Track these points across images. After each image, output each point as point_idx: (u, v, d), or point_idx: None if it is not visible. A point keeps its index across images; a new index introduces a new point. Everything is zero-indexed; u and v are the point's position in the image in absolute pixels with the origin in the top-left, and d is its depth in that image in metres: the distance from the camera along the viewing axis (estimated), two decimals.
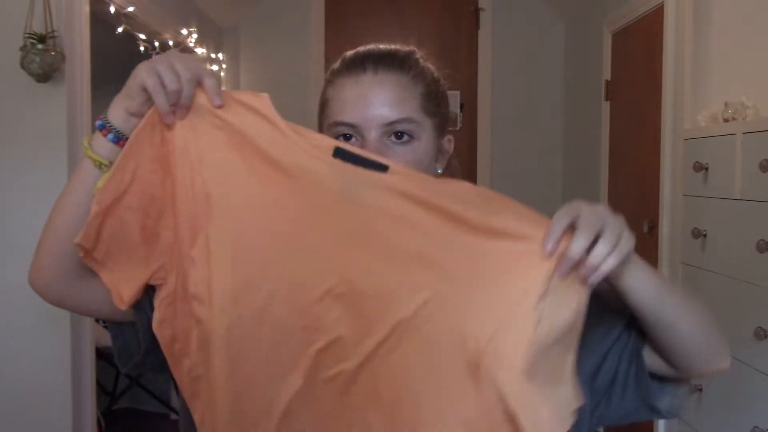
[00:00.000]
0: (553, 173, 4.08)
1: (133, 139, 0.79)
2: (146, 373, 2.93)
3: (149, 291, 0.84)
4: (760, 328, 1.86)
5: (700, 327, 0.79)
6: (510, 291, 0.71)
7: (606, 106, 3.32)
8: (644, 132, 2.86)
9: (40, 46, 1.89)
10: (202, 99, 0.79)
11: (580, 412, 0.72)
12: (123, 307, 0.83)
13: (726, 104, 2.19)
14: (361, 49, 0.95)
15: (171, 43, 2.95)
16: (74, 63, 2.06)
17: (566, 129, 4.07)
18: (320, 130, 0.96)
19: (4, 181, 2.02)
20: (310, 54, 4.03)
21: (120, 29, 2.45)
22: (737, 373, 1.97)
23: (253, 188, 0.79)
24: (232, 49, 3.97)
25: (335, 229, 0.77)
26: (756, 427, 1.88)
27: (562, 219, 0.71)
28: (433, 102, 0.94)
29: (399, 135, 0.90)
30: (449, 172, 1.00)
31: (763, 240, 1.84)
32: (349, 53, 0.95)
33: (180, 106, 0.78)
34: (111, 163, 0.81)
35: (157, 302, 0.82)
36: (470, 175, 3.97)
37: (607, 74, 3.30)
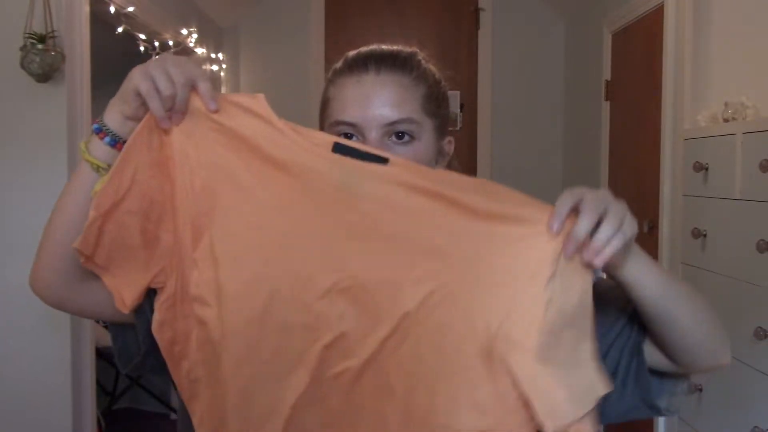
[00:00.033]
0: (553, 173, 4.08)
1: (130, 144, 0.79)
2: (146, 375, 2.94)
3: (149, 293, 0.85)
4: (760, 328, 1.86)
5: (702, 320, 0.79)
6: (518, 273, 0.71)
7: (606, 106, 3.32)
8: (644, 132, 2.86)
9: (40, 46, 1.89)
10: (197, 103, 0.79)
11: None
12: (125, 310, 0.83)
13: (726, 104, 2.19)
14: (364, 49, 0.95)
15: (171, 43, 2.95)
16: (74, 63, 2.07)
17: (566, 129, 4.07)
18: (321, 129, 0.96)
19: (4, 181, 2.02)
20: (310, 54, 4.03)
21: (120, 29, 2.45)
22: (737, 373, 1.97)
23: (254, 188, 0.79)
24: (232, 49, 3.97)
25: (337, 224, 0.77)
26: (756, 427, 1.88)
27: (566, 201, 0.71)
28: (434, 103, 0.94)
29: (400, 135, 0.90)
30: None
31: (763, 240, 1.84)
32: (352, 53, 0.95)
33: (175, 111, 0.78)
34: (108, 166, 0.81)
35: (157, 305, 0.82)
36: (470, 175, 3.96)
37: (607, 74, 3.30)
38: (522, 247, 0.72)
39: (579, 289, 0.71)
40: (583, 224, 0.69)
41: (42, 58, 1.89)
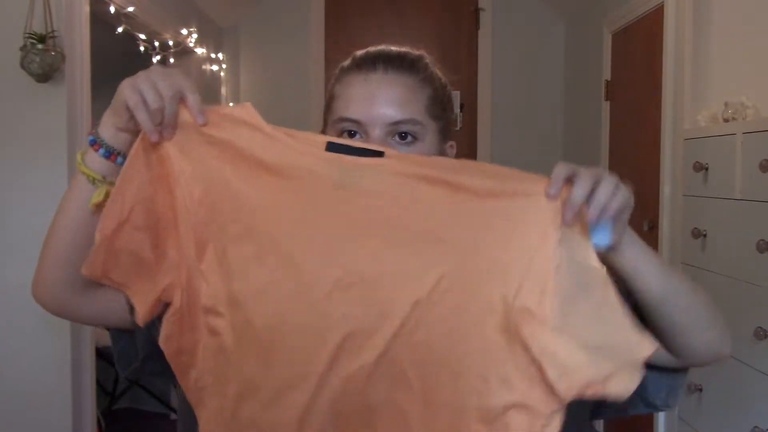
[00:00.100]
0: None
1: (128, 164, 0.79)
2: (146, 378, 2.94)
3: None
4: (760, 328, 1.86)
5: (703, 309, 0.80)
6: (526, 243, 0.72)
7: (606, 106, 3.32)
8: (644, 132, 2.86)
9: (40, 46, 1.89)
10: (187, 116, 0.79)
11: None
12: (140, 324, 0.83)
13: (726, 104, 2.19)
14: (372, 49, 0.96)
15: (171, 43, 2.95)
16: (74, 63, 2.07)
17: (566, 129, 4.07)
18: (324, 126, 0.97)
19: (4, 181, 2.03)
20: (310, 54, 4.03)
21: (120, 29, 2.45)
22: (737, 373, 1.97)
23: (251, 196, 0.79)
24: (232, 49, 3.97)
25: (338, 221, 0.77)
26: (756, 427, 1.88)
27: (561, 170, 0.73)
28: (439, 106, 0.95)
29: (403, 135, 0.90)
30: None
31: (763, 240, 1.84)
32: (360, 52, 0.96)
33: (166, 125, 0.78)
34: (104, 177, 0.82)
35: (165, 320, 0.82)
36: None
37: (607, 74, 3.30)
38: (525, 217, 0.73)
39: (584, 255, 0.72)
40: (579, 189, 0.71)
41: (42, 58, 1.89)
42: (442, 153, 0.96)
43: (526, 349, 0.71)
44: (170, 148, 0.79)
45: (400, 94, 0.91)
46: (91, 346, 2.19)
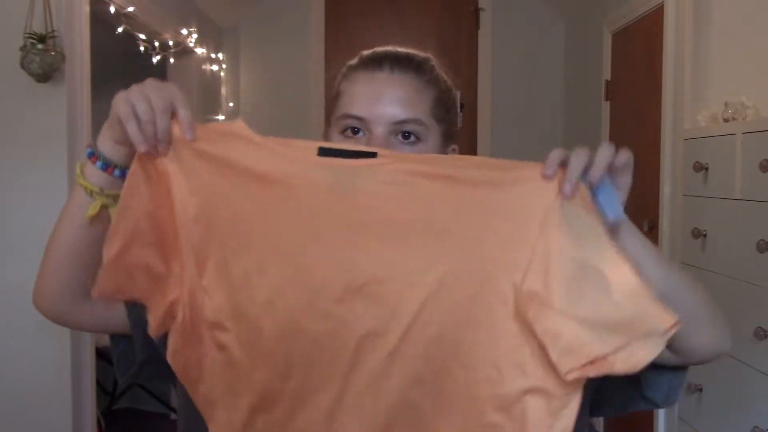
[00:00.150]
0: None
1: (127, 182, 0.79)
2: (145, 382, 2.95)
3: (144, 305, 0.85)
4: (760, 328, 1.86)
5: (703, 304, 0.80)
6: (529, 228, 0.72)
7: (606, 106, 3.32)
8: (644, 132, 2.86)
9: (40, 46, 1.89)
10: (179, 132, 0.79)
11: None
12: (152, 336, 0.83)
13: (726, 104, 2.19)
14: (380, 48, 0.97)
15: (171, 43, 2.95)
16: (74, 63, 2.07)
17: (566, 129, 4.07)
18: (328, 123, 0.97)
19: (4, 181, 2.02)
20: (310, 54, 4.03)
21: (120, 29, 2.45)
22: (737, 373, 1.97)
23: (247, 207, 0.79)
24: (232, 49, 3.97)
25: (337, 224, 0.77)
26: (756, 427, 1.88)
27: (556, 152, 0.73)
28: (443, 109, 0.95)
29: (406, 135, 0.91)
30: None
31: (763, 240, 1.84)
32: (367, 52, 0.97)
33: (160, 140, 0.77)
34: (101, 190, 0.82)
35: (170, 334, 0.82)
36: None
37: (607, 74, 3.30)
38: (526, 202, 0.73)
39: (588, 232, 0.71)
40: (575, 163, 0.71)
41: (42, 58, 1.89)
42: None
43: (534, 332, 0.71)
44: (168, 165, 0.79)
45: (405, 93, 0.91)
46: (91, 346, 2.19)
